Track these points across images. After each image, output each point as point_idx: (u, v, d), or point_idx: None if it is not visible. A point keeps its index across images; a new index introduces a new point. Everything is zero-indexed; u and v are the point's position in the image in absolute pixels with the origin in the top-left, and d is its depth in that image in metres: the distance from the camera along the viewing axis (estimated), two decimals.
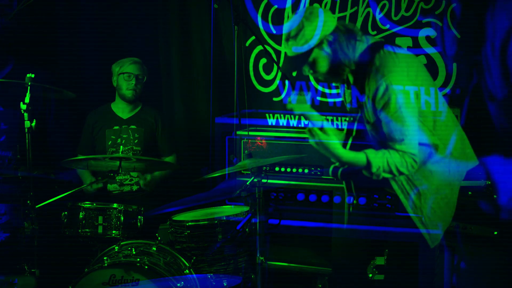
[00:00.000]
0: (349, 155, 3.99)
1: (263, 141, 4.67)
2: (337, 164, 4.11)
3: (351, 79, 4.10)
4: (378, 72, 3.89)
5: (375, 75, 3.89)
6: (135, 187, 4.93)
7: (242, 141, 4.71)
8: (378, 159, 3.92)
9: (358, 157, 3.94)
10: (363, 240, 4.45)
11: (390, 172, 3.94)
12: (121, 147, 4.80)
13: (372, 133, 4.07)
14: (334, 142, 3.98)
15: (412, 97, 3.89)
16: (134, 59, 4.98)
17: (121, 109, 5.00)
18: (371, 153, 3.93)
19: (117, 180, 4.90)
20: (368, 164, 3.92)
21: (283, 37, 4.25)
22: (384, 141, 3.98)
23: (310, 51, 4.00)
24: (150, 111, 5.05)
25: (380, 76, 3.87)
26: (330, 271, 4.56)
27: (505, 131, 4.06)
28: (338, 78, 4.16)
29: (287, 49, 4.08)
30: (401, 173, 3.95)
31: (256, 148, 4.69)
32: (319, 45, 3.96)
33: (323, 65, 4.02)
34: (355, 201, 4.43)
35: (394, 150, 3.91)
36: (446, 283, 4.34)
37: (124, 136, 4.93)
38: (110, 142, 4.93)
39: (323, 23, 3.96)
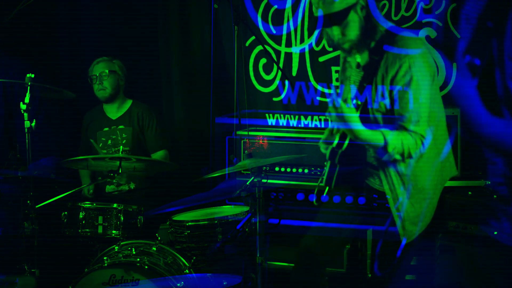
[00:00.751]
0: (367, 132, 4.02)
1: (265, 141, 4.67)
2: (334, 145, 4.12)
3: (362, 59, 4.13)
4: (405, 49, 3.96)
5: (397, 54, 3.93)
6: (132, 185, 4.92)
7: (242, 141, 4.71)
8: (395, 139, 3.98)
9: (376, 135, 3.98)
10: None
11: (402, 153, 3.98)
12: (121, 147, 4.79)
13: (380, 118, 4.09)
14: (355, 117, 4.01)
15: (429, 83, 3.96)
16: (99, 59, 4.93)
17: (110, 109, 4.98)
18: (388, 133, 3.97)
19: (114, 181, 4.89)
20: (385, 144, 3.96)
21: None
22: (396, 125, 4.02)
23: (347, 10, 4.00)
24: (139, 107, 5.00)
25: (403, 55, 3.90)
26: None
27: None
28: (362, 48, 4.14)
29: (322, 6, 4.08)
30: (409, 155, 3.99)
31: (256, 149, 4.70)
32: (354, 6, 3.98)
33: (354, 29, 4.05)
34: (322, 197, 4.43)
35: (407, 131, 3.95)
36: (445, 283, 4.35)
37: (113, 137, 4.92)
38: (101, 144, 4.92)
39: None
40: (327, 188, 4.37)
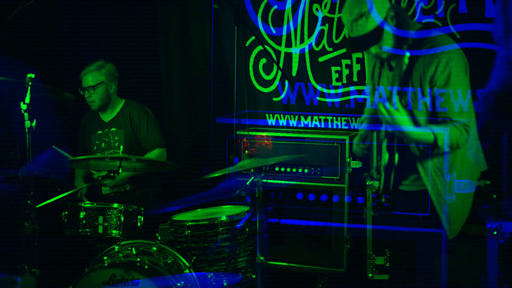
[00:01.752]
0: (417, 131, 4.20)
1: (270, 141, 4.69)
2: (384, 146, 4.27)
3: (395, 62, 4.30)
4: (435, 48, 4.23)
5: (433, 53, 4.23)
6: (128, 186, 4.92)
7: (242, 141, 4.72)
8: (443, 134, 4.19)
9: (426, 133, 4.14)
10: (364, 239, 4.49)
11: (451, 145, 4.12)
12: (121, 147, 4.79)
13: (422, 120, 4.24)
14: (404, 118, 4.20)
15: (464, 74, 4.24)
16: (85, 70, 4.82)
17: (107, 111, 4.95)
18: (436, 129, 4.12)
19: (107, 184, 4.87)
20: (435, 139, 4.14)
21: (346, 17, 4.51)
22: (440, 118, 4.20)
23: (379, 27, 4.31)
24: (130, 107, 4.94)
25: (439, 53, 4.23)
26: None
27: None
28: (398, 55, 4.38)
29: (354, 29, 4.39)
30: (458, 146, 4.14)
31: (259, 149, 4.70)
32: (385, 19, 4.17)
33: (388, 40, 4.33)
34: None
35: (452, 122, 4.11)
36: (444, 283, 4.35)
37: (106, 140, 4.90)
38: (95, 147, 4.91)
39: (385, 0, 4.33)
40: (382, 189, 4.44)
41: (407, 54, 4.26)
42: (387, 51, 4.38)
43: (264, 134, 4.74)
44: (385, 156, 4.31)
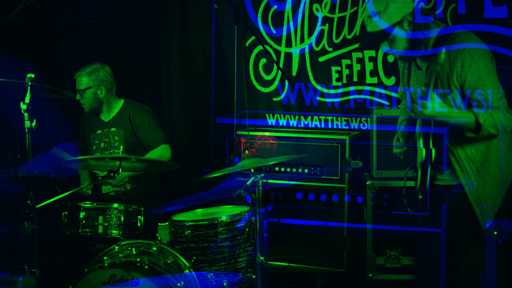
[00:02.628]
0: (458, 114, 4.30)
1: (275, 140, 4.69)
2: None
3: (423, 65, 4.38)
4: (458, 46, 4.33)
5: (456, 50, 4.33)
6: (128, 186, 4.92)
7: (240, 141, 4.72)
8: (483, 113, 4.27)
9: (467, 115, 4.27)
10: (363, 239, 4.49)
11: (495, 127, 4.25)
12: (121, 147, 4.79)
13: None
14: (442, 106, 4.31)
15: (490, 63, 4.30)
16: (77, 73, 4.83)
17: (103, 111, 4.96)
18: (476, 109, 4.28)
19: (110, 181, 4.87)
20: (476, 119, 4.26)
21: (365, 13, 4.59)
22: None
23: (392, 27, 4.40)
24: (129, 107, 4.94)
25: (461, 49, 4.32)
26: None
27: None
28: (412, 57, 4.50)
29: (369, 25, 4.50)
30: (504, 130, 4.25)
31: (259, 150, 4.70)
32: (400, 22, 4.27)
33: (401, 43, 4.39)
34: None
35: (493, 107, 4.24)
36: (443, 282, 4.36)
37: (106, 140, 4.89)
38: (95, 147, 4.91)
39: (405, 3, 4.43)
40: (419, 186, 4.47)
41: (443, 50, 4.36)
42: (397, 53, 4.46)
43: (267, 134, 4.74)
44: (422, 154, 4.34)
